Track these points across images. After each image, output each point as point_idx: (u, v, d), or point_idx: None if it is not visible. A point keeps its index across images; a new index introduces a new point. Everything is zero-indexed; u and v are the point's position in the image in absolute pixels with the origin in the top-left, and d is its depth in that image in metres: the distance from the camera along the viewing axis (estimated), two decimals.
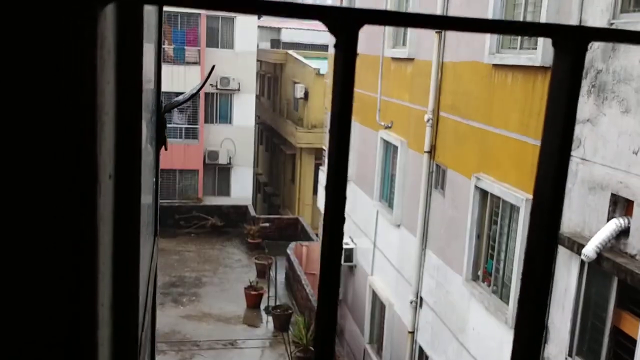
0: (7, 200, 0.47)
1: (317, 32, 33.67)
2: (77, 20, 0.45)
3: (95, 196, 0.50)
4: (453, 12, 9.68)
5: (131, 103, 0.70)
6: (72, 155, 0.48)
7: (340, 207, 0.49)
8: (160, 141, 1.68)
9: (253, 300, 17.28)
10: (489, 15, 8.34)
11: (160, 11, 1.70)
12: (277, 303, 16.95)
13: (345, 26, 0.50)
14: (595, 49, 6.38)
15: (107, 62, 0.54)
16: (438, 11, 9.90)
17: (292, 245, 19.36)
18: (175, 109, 25.48)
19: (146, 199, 1.36)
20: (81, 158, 0.49)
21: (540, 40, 7.20)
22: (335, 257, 0.53)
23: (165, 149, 1.78)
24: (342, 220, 0.52)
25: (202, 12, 24.84)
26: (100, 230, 0.55)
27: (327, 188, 0.52)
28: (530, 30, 0.56)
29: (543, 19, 7.17)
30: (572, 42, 0.54)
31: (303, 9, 0.50)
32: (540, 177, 0.56)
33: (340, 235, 0.51)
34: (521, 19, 7.92)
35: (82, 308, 0.52)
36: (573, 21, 6.66)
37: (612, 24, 6.12)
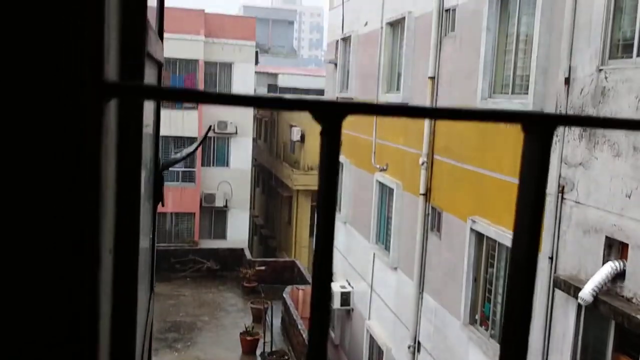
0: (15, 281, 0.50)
1: (312, 77, 34.19)
2: (84, 112, 0.50)
3: (97, 272, 0.54)
4: (445, 60, 9.90)
5: (130, 184, 0.75)
6: (76, 234, 0.51)
7: (326, 290, 0.52)
8: (157, 198, 1.72)
9: (249, 345, 17.01)
10: (481, 60, 8.53)
11: (160, 70, 1.77)
12: (274, 349, 16.69)
13: (330, 117, 0.55)
14: (586, 94, 6.51)
15: (108, 148, 0.58)
16: (431, 58, 10.12)
17: (288, 289, 19.19)
18: (173, 153, 25.61)
19: (143, 260, 1.39)
20: (85, 236, 0.52)
21: (532, 84, 7.36)
22: (324, 301, 0.57)
23: (162, 205, 1.82)
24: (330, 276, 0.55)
25: (201, 58, 25.26)
26: (102, 305, 0.58)
27: (314, 268, 0.56)
28: (500, 117, 0.61)
29: (533, 66, 7.34)
30: (539, 127, 0.59)
31: (293, 103, 0.55)
32: (513, 260, 0.60)
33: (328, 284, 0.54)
34: (512, 66, 8.10)
35: None
36: (563, 68, 6.82)
37: (600, 69, 6.27)
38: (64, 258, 0.49)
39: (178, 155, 3.22)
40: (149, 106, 1.49)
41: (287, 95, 0.53)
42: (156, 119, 1.76)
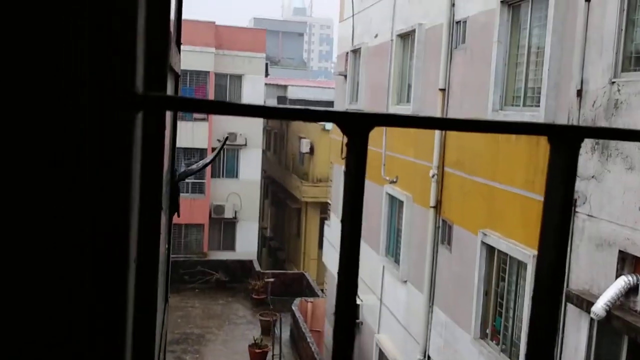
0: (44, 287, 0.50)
1: (322, 89, 34.30)
2: (118, 123, 0.50)
3: (126, 280, 0.54)
4: (456, 72, 9.90)
5: (153, 194, 0.75)
6: (108, 243, 0.51)
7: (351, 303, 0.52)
8: (173, 209, 1.72)
9: (257, 358, 16.95)
10: (492, 72, 8.52)
11: (177, 80, 1.78)
12: None
13: (357, 129, 0.54)
14: (598, 107, 6.48)
15: (135, 158, 0.58)
16: (441, 70, 10.12)
17: (297, 301, 19.13)
18: (183, 164, 25.71)
19: (160, 271, 1.39)
20: (114, 244, 0.52)
21: (543, 97, 7.34)
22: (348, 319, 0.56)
23: (178, 216, 1.82)
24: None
25: (211, 70, 25.43)
26: (128, 314, 0.58)
27: (339, 285, 0.55)
28: (526, 129, 0.61)
29: (545, 78, 7.32)
30: (566, 139, 0.58)
31: (320, 114, 0.55)
32: (540, 270, 0.60)
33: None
34: (523, 78, 8.09)
35: None
36: (575, 81, 6.79)
37: (613, 82, 6.24)
38: (95, 268, 0.49)
39: (194, 167, 3.24)
40: (166, 118, 1.50)
41: (314, 108, 0.53)
42: (173, 130, 1.77)
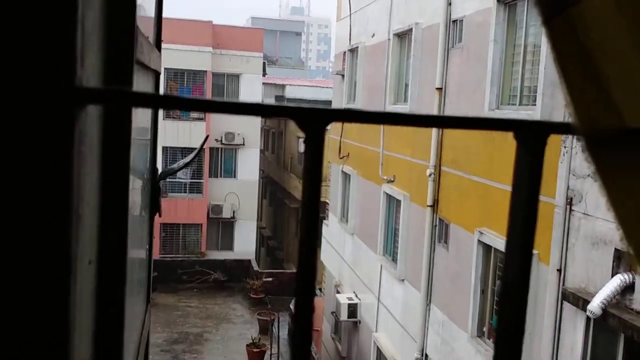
0: None
1: (320, 89, 34.30)
2: (53, 119, 0.48)
3: (68, 282, 0.52)
4: (453, 71, 9.89)
5: (117, 193, 0.73)
6: (46, 244, 0.50)
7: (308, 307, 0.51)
8: (154, 208, 1.71)
9: (255, 357, 16.94)
10: (488, 71, 8.52)
11: (157, 78, 1.76)
12: None
13: (313, 124, 0.53)
14: None
15: (87, 156, 0.57)
16: (438, 69, 10.12)
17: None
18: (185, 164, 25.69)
19: (137, 271, 1.37)
20: (56, 247, 0.51)
21: (540, 95, 7.33)
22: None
23: (160, 216, 1.81)
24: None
25: (208, 69, 25.40)
26: (77, 321, 0.56)
27: (297, 276, 0.54)
28: (492, 125, 0.59)
29: (541, 77, 7.31)
30: (531, 135, 0.57)
31: (274, 109, 0.54)
32: (507, 270, 0.58)
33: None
34: (519, 77, 8.08)
35: None
36: None
37: None
38: (33, 269, 0.47)
39: (175, 166, 3.22)
40: (145, 116, 1.48)
41: (268, 102, 0.52)
42: (154, 129, 1.76)
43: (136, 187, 1.30)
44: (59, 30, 0.46)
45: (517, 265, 0.59)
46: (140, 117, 1.32)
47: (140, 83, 1.24)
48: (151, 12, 1.73)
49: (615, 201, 0.53)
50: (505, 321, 0.60)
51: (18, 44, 0.45)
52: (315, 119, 0.53)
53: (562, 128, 0.58)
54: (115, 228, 0.75)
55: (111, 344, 0.77)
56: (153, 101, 0.46)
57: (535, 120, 0.59)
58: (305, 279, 0.52)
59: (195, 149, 25.26)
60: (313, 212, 0.54)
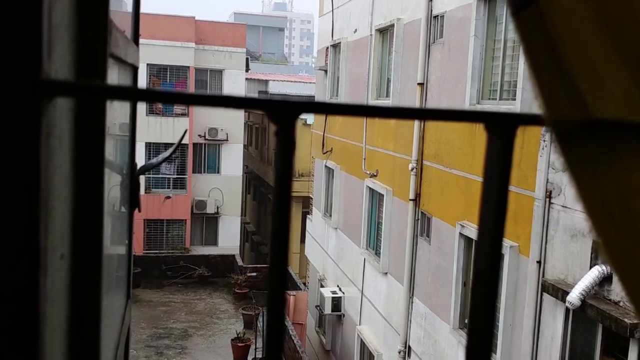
0: None
1: (303, 84, 34.24)
2: (18, 112, 0.48)
3: (37, 280, 0.51)
4: (434, 66, 9.94)
5: (91, 187, 0.73)
6: (13, 237, 0.50)
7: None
8: (133, 203, 1.71)
9: (240, 352, 16.94)
10: (469, 66, 8.58)
11: (135, 73, 1.76)
12: (265, 355, 16.61)
13: (283, 116, 0.54)
14: None
15: (57, 149, 0.57)
16: (420, 65, 10.16)
17: None
18: (164, 159, 25.52)
19: (116, 267, 1.37)
20: (24, 240, 0.50)
21: (519, 90, 7.40)
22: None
23: (139, 211, 1.80)
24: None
25: (191, 65, 25.24)
26: (48, 313, 0.56)
27: (270, 268, 0.55)
28: (464, 117, 0.61)
29: (521, 71, 7.38)
30: (501, 126, 0.58)
31: (245, 101, 0.54)
32: (478, 258, 0.60)
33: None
34: (499, 72, 8.15)
35: None
36: None
37: None
38: (0, 261, 0.47)
39: (154, 160, 3.21)
40: (123, 110, 1.47)
41: (238, 95, 0.52)
42: (132, 123, 1.75)
43: (114, 182, 1.29)
44: (23, 22, 0.46)
45: (488, 253, 0.60)
46: (118, 111, 1.32)
47: (116, 77, 1.23)
48: (129, 6, 1.72)
49: (584, 192, 0.54)
50: (476, 309, 0.62)
51: None
52: (286, 110, 0.54)
53: (531, 119, 0.60)
54: (90, 222, 0.74)
55: (87, 340, 0.77)
56: (121, 93, 0.47)
57: (505, 112, 0.60)
58: (278, 272, 0.52)
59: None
60: (284, 202, 0.54)
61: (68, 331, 0.68)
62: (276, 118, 0.54)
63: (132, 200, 1.67)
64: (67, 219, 0.68)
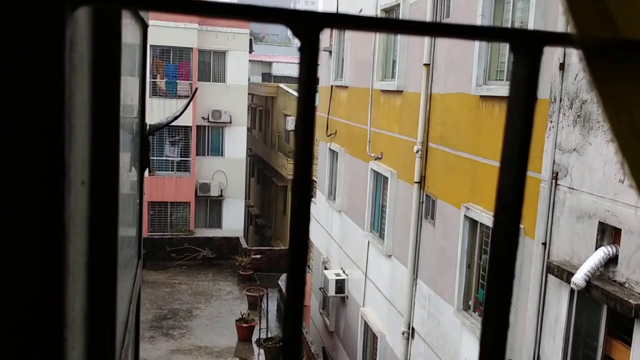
0: None
1: None
2: (43, 24, 0.47)
3: (63, 200, 0.51)
4: (440, 47, 9.86)
5: (108, 108, 0.71)
6: (39, 155, 0.49)
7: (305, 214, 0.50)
8: (144, 163, 1.69)
9: (244, 332, 17.06)
10: (475, 47, 8.50)
11: (145, 30, 1.73)
12: (269, 335, 16.75)
13: (308, 29, 0.52)
14: (580, 79, 6.50)
15: (78, 67, 0.55)
16: (426, 45, 10.07)
17: (284, 276, 19.21)
18: (167, 142, 25.53)
19: (128, 214, 1.36)
20: (50, 160, 0.49)
21: None
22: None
23: (150, 172, 1.80)
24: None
25: (194, 46, 25.12)
26: (72, 233, 0.55)
27: (293, 190, 0.53)
28: (487, 33, 0.58)
29: (531, 21, 7.26)
30: (527, 46, 0.56)
31: (266, 12, 0.52)
32: (501, 184, 0.58)
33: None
34: (506, 52, 8.07)
35: (48, 315, 0.51)
36: (557, 54, 6.79)
37: None
38: (26, 177, 0.46)
39: (163, 120, 3.20)
40: (133, 81, 1.45)
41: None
42: (141, 87, 1.73)
43: (125, 140, 1.28)
44: None
45: (513, 181, 0.58)
46: (128, 80, 1.30)
47: (131, 34, 1.21)
48: None
49: (610, 113, 0.52)
50: (492, 285, 0.59)
51: None
52: (310, 22, 0.52)
53: (558, 38, 0.58)
54: (107, 147, 0.73)
55: (105, 263, 0.76)
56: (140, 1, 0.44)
57: (532, 30, 0.58)
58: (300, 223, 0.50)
59: (182, 126, 25.03)
60: (308, 122, 0.52)
61: (88, 252, 0.67)
62: (300, 31, 0.52)
63: (143, 160, 1.66)
64: (87, 144, 0.66)
